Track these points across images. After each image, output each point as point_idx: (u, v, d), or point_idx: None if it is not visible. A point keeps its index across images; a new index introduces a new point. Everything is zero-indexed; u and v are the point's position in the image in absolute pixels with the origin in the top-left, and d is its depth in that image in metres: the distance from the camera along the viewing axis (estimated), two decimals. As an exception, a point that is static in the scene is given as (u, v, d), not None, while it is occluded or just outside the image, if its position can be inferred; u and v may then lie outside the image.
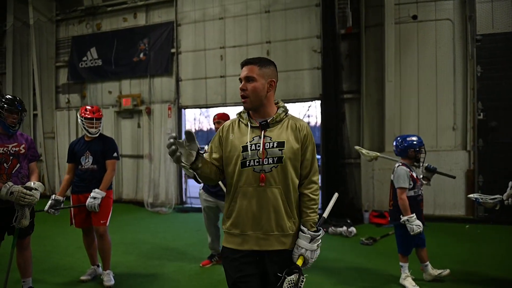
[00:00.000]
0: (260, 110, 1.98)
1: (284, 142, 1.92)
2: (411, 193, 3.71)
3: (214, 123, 4.43)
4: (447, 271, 3.79)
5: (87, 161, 3.89)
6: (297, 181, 1.98)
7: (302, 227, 1.96)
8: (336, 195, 2.37)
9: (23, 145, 3.35)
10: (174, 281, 4.00)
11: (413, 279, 3.74)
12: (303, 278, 1.84)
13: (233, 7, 7.93)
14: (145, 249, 5.18)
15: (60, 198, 3.80)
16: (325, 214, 2.18)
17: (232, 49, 7.96)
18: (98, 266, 4.09)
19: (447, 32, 6.71)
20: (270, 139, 1.93)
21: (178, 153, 1.79)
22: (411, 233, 3.56)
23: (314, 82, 7.35)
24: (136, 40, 8.66)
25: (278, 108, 2.04)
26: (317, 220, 2.00)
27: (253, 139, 1.94)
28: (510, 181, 3.58)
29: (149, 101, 8.61)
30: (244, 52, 7.83)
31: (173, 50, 8.37)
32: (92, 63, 9.15)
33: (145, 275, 4.18)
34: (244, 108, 2.02)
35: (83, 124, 3.93)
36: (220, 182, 4.19)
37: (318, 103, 7.45)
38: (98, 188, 3.79)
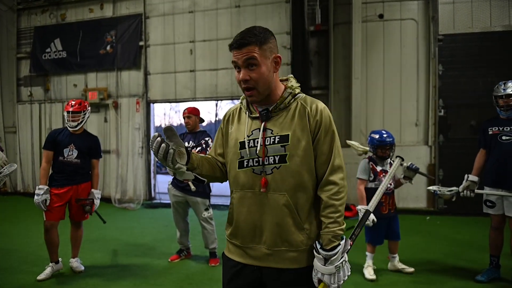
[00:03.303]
0: (267, 96, 1.58)
1: (288, 135, 1.52)
2: (372, 185, 3.86)
3: (183, 118, 4.40)
4: (411, 269, 3.91)
5: (71, 154, 3.92)
6: (312, 183, 1.56)
7: (316, 243, 1.52)
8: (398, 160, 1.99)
9: None
10: (141, 277, 3.96)
11: (374, 269, 3.88)
12: None
13: (203, 1, 7.87)
14: (112, 245, 5.09)
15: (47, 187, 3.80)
16: (372, 205, 1.73)
17: (202, 43, 7.90)
18: (57, 262, 3.97)
19: (411, 32, 6.94)
20: (272, 133, 1.54)
21: (171, 150, 1.44)
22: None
23: (284, 78, 7.42)
24: (103, 32, 8.42)
25: (285, 88, 1.61)
26: (341, 232, 1.52)
27: (252, 133, 1.57)
28: (466, 174, 3.80)
29: (116, 95, 8.42)
30: (214, 46, 7.80)
31: (141, 43, 8.21)
32: (56, 55, 8.83)
33: (112, 272, 4.12)
34: (252, 102, 1.60)
35: (65, 117, 3.98)
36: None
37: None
38: (80, 182, 3.96)
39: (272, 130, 1.55)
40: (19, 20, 9.30)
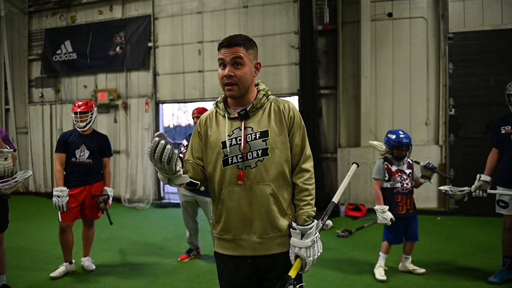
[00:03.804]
0: (243, 98, 1.73)
1: (267, 131, 1.69)
2: (387, 185, 3.85)
3: (193, 118, 4.44)
4: (422, 270, 3.88)
5: (82, 155, 3.98)
6: (289, 172, 1.74)
7: (293, 223, 1.71)
8: (354, 166, 2.18)
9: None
10: (151, 276, 3.99)
11: (385, 270, 3.85)
12: None
13: (211, 2, 7.89)
14: (122, 245, 5.14)
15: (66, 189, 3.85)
16: (336, 197, 1.93)
17: (210, 43, 7.92)
18: (71, 263, 4.04)
19: (421, 30, 6.88)
20: (252, 130, 1.69)
21: (176, 151, 1.47)
22: (378, 222, 3.75)
23: (292, 78, 7.42)
24: (112, 34, 8.49)
25: (258, 92, 1.78)
26: (313, 213, 1.74)
27: (233, 132, 1.70)
28: (478, 174, 3.75)
29: (126, 95, 8.48)
30: (222, 47, 7.80)
31: (150, 44, 8.26)
32: (66, 57, 8.93)
33: (122, 271, 4.15)
34: (230, 97, 1.73)
35: (73, 119, 4.04)
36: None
37: (295, 98, 7.52)
38: (93, 182, 4.03)
39: (252, 128, 1.70)
40: (30, 23, 9.42)
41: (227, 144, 1.69)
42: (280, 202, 1.71)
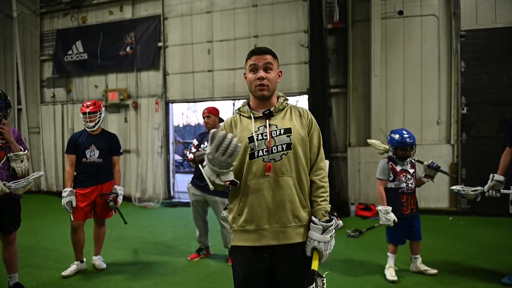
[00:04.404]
0: (267, 100, 1.94)
1: (290, 128, 1.88)
2: (392, 185, 3.81)
3: (203, 117, 4.42)
4: (434, 271, 3.84)
5: (93, 155, 4.03)
6: (308, 167, 1.92)
7: (313, 218, 1.86)
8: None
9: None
10: (161, 275, 4.01)
11: (396, 270, 3.82)
12: (323, 281, 1.75)
13: (221, 1, 7.90)
14: (133, 243, 5.18)
15: (71, 189, 3.92)
16: None
17: (219, 43, 7.94)
18: (82, 261, 4.08)
19: (432, 28, 6.80)
20: (276, 127, 1.88)
21: (238, 149, 1.66)
22: (380, 223, 3.73)
23: (302, 77, 7.39)
24: (122, 34, 8.55)
25: (278, 97, 2.02)
26: (329, 209, 1.92)
27: (259, 129, 1.88)
28: (491, 174, 3.69)
29: (136, 95, 8.54)
30: (231, 46, 7.82)
31: (160, 44, 8.30)
32: (77, 57, 9.03)
33: (133, 270, 4.18)
34: (261, 96, 1.92)
35: (82, 119, 4.08)
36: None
37: (305, 97, 7.49)
38: (104, 181, 4.07)
39: (276, 125, 1.89)
40: (42, 24, 9.55)
41: (255, 138, 1.85)
42: (301, 193, 1.87)
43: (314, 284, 1.71)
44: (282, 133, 1.87)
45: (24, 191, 3.23)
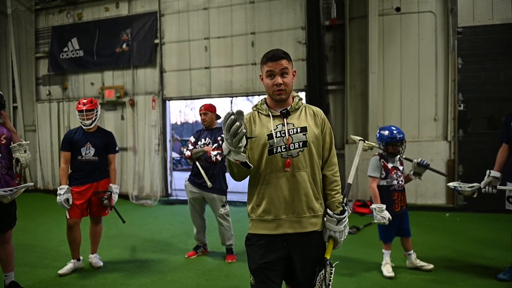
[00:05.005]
0: (284, 101, 2.06)
1: (306, 127, 2.02)
2: (383, 182, 3.80)
3: (200, 114, 4.41)
4: (430, 266, 3.85)
5: (88, 153, 4.00)
6: (320, 163, 2.08)
7: (328, 211, 2.04)
8: (361, 142, 2.58)
9: (4, 135, 3.29)
10: (159, 273, 4.00)
11: (393, 267, 3.83)
12: (331, 270, 1.97)
13: (217, -2, 7.87)
14: (130, 241, 5.16)
15: (68, 186, 3.90)
16: (350, 177, 2.35)
17: (216, 40, 7.91)
18: (78, 259, 4.06)
19: (429, 24, 6.79)
20: (293, 126, 2.01)
21: (244, 130, 1.72)
22: (375, 221, 3.70)
23: (299, 74, 7.36)
24: (119, 31, 8.51)
25: (293, 97, 2.12)
26: (341, 200, 2.10)
27: (277, 127, 2.01)
28: (488, 170, 3.70)
29: (133, 92, 8.50)
30: (228, 43, 7.79)
31: (156, 41, 8.27)
32: (73, 54, 8.97)
33: (130, 268, 4.17)
34: (279, 100, 2.03)
35: (78, 117, 4.04)
36: (204, 174, 4.20)
37: (303, 94, 7.48)
38: (100, 179, 4.05)
39: (293, 124, 2.02)
40: (37, 20, 9.48)
41: (274, 135, 1.98)
42: (314, 187, 2.02)
43: (323, 270, 1.95)
44: (298, 132, 2.00)
45: (10, 201, 3.13)
